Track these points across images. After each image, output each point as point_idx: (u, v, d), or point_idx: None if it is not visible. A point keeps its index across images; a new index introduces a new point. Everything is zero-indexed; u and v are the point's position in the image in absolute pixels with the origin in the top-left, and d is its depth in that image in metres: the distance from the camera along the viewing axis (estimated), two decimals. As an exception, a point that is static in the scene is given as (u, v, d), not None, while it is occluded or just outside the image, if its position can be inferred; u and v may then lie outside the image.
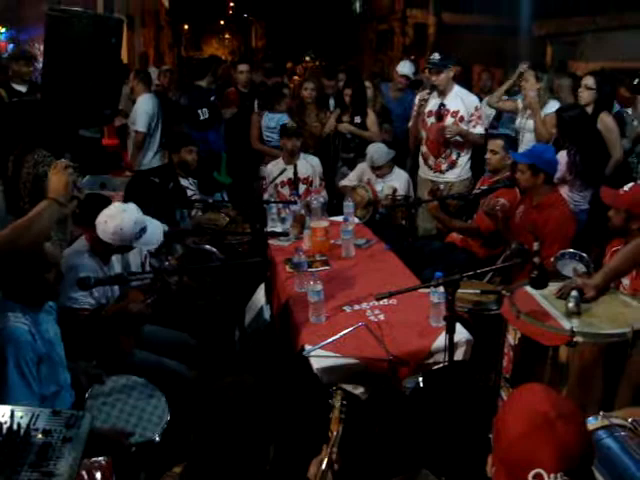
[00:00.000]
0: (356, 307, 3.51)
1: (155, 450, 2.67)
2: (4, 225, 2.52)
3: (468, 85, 8.72)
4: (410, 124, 5.92)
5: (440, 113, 5.39)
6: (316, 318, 3.34)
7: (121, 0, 11.93)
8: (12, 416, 2.01)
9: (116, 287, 3.37)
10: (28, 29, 8.53)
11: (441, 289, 2.97)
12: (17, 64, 5.85)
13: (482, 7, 13.51)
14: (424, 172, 5.63)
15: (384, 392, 3.01)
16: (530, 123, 5.42)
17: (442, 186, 5.23)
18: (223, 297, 4.02)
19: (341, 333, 3.10)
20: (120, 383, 2.88)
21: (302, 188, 5.55)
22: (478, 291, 3.79)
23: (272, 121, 6.40)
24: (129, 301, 3.21)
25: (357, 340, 3.10)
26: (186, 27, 32.83)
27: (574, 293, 2.80)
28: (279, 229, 4.67)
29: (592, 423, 1.89)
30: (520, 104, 5.67)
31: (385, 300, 3.30)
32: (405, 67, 7.20)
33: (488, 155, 4.75)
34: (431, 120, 5.46)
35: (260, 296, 3.85)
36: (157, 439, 2.68)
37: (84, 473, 2.02)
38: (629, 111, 5.70)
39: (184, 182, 5.20)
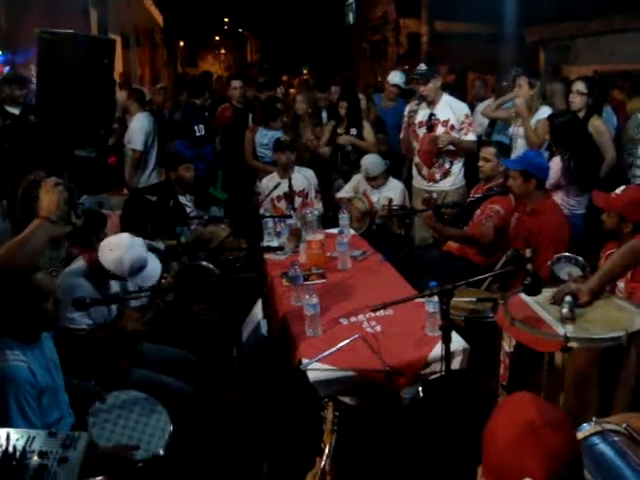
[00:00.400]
0: (352, 319, 3.52)
1: (160, 465, 2.66)
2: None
3: (463, 93, 8.79)
4: (401, 136, 5.95)
5: (431, 123, 5.41)
6: (313, 331, 3.34)
7: (115, 20, 12.00)
8: (8, 439, 2.01)
9: (113, 306, 3.38)
10: (24, 52, 8.59)
11: (435, 298, 2.98)
12: (10, 87, 5.87)
13: (474, 15, 13.56)
14: (418, 182, 5.65)
15: (382, 403, 3.01)
16: (523, 130, 5.44)
17: (435, 195, 5.24)
18: (221, 313, 4.03)
19: (338, 346, 3.10)
20: (121, 399, 2.87)
21: (298, 201, 5.57)
22: (474, 299, 3.79)
23: (265, 138, 6.42)
24: (125, 320, 3.21)
25: (354, 352, 3.10)
26: (182, 44, 33.01)
27: (568, 298, 2.80)
28: (275, 243, 4.70)
29: (585, 429, 1.89)
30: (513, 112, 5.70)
31: (381, 311, 3.33)
32: (396, 77, 7.24)
33: (481, 163, 4.77)
34: (422, 131, 5.48)
35: (257, 311, 3.86)
36: (162, 453, 2.67)
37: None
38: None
39: (182, 199, 5.24)
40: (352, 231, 5.01)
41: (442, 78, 11.15)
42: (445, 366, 2.80)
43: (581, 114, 5.11)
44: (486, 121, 6.60)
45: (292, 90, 11.38)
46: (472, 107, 7.26)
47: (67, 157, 5.29)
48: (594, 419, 1.89)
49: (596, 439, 1.84)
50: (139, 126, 6.49)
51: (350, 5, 26.39)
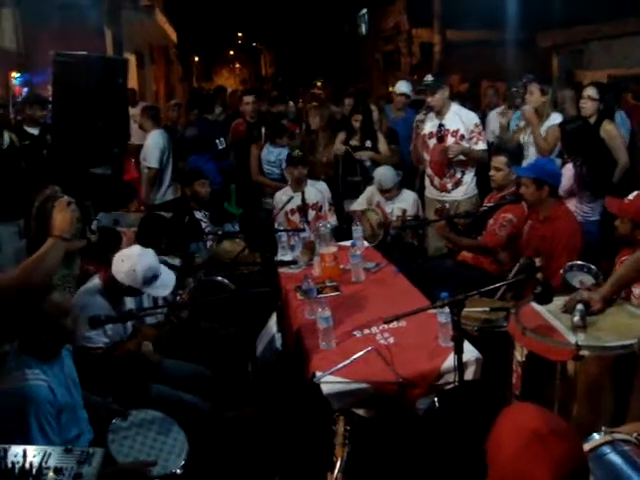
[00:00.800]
0: (366, 331, 3.53)
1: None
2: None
3: (476, 102, 8.80)
4: (411, 147, 5.97)
5: (440, 134, 5.41)
6: (326, 344, 3.36)
7: (129, 38, 12.17)
8: (25, 455, 2.06)
9: (129, 323, 3.42)
10: (41, 73, 8.74)
11: (447, 309, 2.98)
12: (31, 108, 5.98)
13: (486, 22, 13.59)
14: (430, 192, 5.66)
15: (395, 415, 3.02)
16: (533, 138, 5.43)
17: (448, 205, 5.23)
18: (236, 328, 4.06)
19: (351, 358, 3.13)
20: (139, 417, 2.91)
21: (311, 214, 5.61)
22: (487, 309, 3.79)
23: (272, 155, 6.45)
24: (141, 339, 3.25)
25: (367, 364, 3.12)
26: (196, 59, 33.35)
27: (579, 307, 2.81)
28: (289, 257, 4.72)
29: (595, 439, 1.88)
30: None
31: (394, 323, 3.33)
32: (403, 86, 7.27)
33: (492, 172, 4.77)
34: (432, 142, 5.48)
35: (272, 325, 3.88)
36: (178, 472, 2.70)
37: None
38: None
39: (197, 214, 5.30)
40: (365, 243, 5.02)
41: (455, 87, 11.20)
42: (458, 376, 2.81)
43: (592, 119, 5.08)
44: (496, 129, 6.60)
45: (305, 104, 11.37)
46: (485, 116, 7.30)
47: (83, 176, 5.37)
48: (604, 429, 1.88)
49: (606, 449, 1.83)
50: (154, 143, 6.55)
51: (362, 16, 26.54)
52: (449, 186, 5.49)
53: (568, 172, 4.67)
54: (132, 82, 11.64)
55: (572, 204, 4.64)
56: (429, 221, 5.20)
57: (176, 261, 4.26)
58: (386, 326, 3.47)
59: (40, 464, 2.04)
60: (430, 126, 5.50)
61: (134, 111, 7.78)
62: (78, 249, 4.10)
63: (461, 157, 5.34)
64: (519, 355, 2.90)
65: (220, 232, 5.25)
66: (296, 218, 5.59)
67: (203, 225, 5.31)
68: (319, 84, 26.22)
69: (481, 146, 5.38)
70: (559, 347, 2.68)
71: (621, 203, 3.48)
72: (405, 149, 6.47)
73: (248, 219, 6.48)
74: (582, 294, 2.91)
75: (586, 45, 12.31)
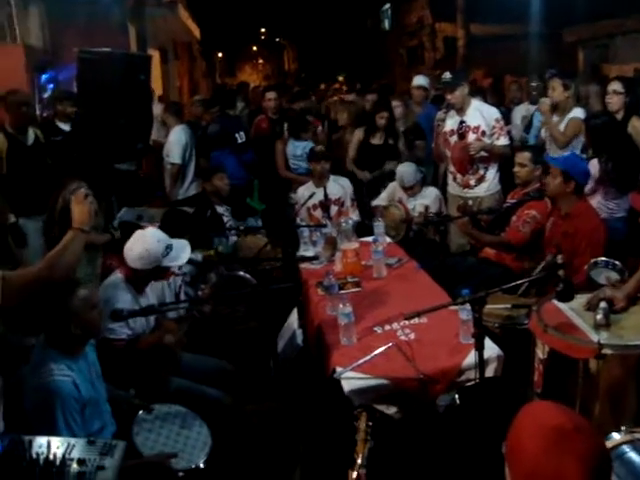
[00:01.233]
0: (387, 327, 3.53)
1: (199, 476, 2.71)
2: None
3: (500, 96, 8.73)
4: (432, 145, 5.94)
5: (462, 131, 5.38)
6: (347, 340, 3.36)
7: (153, 35, 12.24)
8: (49, 447, 2.09)
9: (152, 317, 3.46)
10: (67, 69, 8.82)
11: (468, 306, 2.97)
12: (62, 104, 6.01)
13: (510, 16, 13.46)
14: (453, 188, 5.64)
15: (416, 411, 3.01)
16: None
17: (470, 202, 5.20)
18: (258, 323, 4.08)
19: (372, 354, 3.13)
20: (163, 411, 2.94)
21: (334, 209, 5.61)
22: (509, 306, 3.76)
23: (298, 149, 6.49)
24: (163, 333, 3.28)
25: (388, 360, 3.12)
26: (220, 55, 33.47)
27: (603, 304, 2.78)
28: (311, 252, 4.72)
29: (615, 438, 1.87)
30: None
31: (416, 319, 3.31)
32: (419, 79, 7.27)
33: (516, 168, 4.73)
34: (454, 139, 5.46)
35: (293, 320, 3.90)
36: (202, 465, 2.72)
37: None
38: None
39: (219, 209, 5.33)
40: (387, 239, 5.01)
41: (479, 81, 11.11)
42: (479, 373, 2.80)
43: (619, 115, 5.01)
44: (518, 124, 6.55)
45: (333, 98, 11.32)
46: (509, 111, 7.25)
47: (108, 171, 5.43)
48: (623, 428, 1.87)
49: (626, 447, 1.83)
50: (177, 139, 6.59)
51: (385, 11, 26.45)
52: (472, 182, 5.46)
53: (593, 168, 4.61)
54: (156, 78, 11.72)
55: (596, 200, 4.59)
56: (451, 218, 5.18)
57: (198, 256, 4.29)
58: (407, 322, 3.48)
59: (64, 455, 2.08)
60: (451, 123, 5.48)
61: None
62: (102, 244, 4.15)
63: (483, 153, 5.30)
64: (540, 353, 2.88)
65: (242, 227, 5.27)
66: (318, 214, 5.59)
67: (225, 220, 5.34)
68: (341, 79, 26.20)
69: (503, 141, 5.35)
70: (580, 345, 2.66)
71: (646, 200, 3.44)
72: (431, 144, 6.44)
73: (271, 214, 6.51)
74: (605, 292, 2.88)
75: (611, 40, 12.16)
